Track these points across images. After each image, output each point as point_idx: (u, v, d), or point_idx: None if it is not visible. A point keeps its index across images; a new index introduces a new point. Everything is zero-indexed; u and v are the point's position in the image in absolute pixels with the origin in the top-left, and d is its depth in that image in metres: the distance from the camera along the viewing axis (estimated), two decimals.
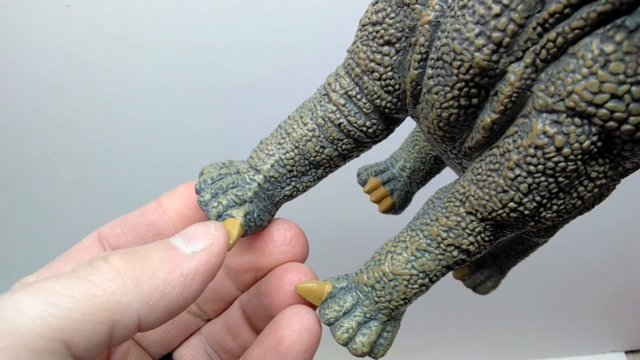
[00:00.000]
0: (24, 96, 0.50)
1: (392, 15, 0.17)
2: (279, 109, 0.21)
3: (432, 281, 0.18)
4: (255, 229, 0.20)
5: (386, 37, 0.17)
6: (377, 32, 0.17)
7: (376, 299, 0.19)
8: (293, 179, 0.20)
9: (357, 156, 0.21)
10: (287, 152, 0.20)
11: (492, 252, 0.31)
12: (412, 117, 0.19)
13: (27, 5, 0.45)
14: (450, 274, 0.31)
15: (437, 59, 0.15)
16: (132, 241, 0.20)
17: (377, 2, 0.17)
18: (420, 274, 0.18)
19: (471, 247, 0.17)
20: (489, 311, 0.61)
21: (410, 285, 0.18)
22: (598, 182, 0.15)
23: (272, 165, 0.20)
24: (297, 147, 0.20)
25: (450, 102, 0.16)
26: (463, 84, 0.15)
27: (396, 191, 0.30)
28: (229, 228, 0.19)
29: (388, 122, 0.19)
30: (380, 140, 0.20)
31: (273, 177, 0.20)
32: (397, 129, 0.31)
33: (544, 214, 0.15)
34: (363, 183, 0.31)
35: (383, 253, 0.19)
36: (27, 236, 0.58)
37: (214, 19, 0.46)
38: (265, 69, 0.48)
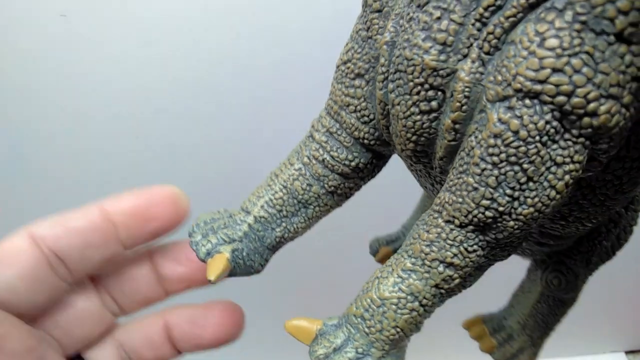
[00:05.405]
0: (17, 105, 0.51)
1: (359, 50, 0.18)
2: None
3: (423, 306, 0.17)
4: (244, 267, 0.20)
5: (356, 71, 0.18)
6: (348, 68, 0.19)
7: (367, 329, 0.17)
8: (283, 220, 0.21)
9: (348, 195, 0.21)
10: (275, 192, 0.21)
11: (519, 319, 0.28)
12: (395, 152, 0.20)
13: (21, 15, 0.47)
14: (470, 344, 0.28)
15: (395, 72, 0.16)
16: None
17: (347, 44, 0.19)
18: (409, 297, 0.17)
19: (455, 260, 0.16)
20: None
21: (399, 310, 0.17)
22: (566, 168, 0.14)
23: (261, 206, 0.20)
24: (285, 187, 0.20)
25: (412, 109, 0.16)
26: (419, 87, 0.16)
27: None
28: (216, 262, 0.19)
29: (370, 155, 0.20)
30: (367, 176, 0.21)
31: (263, 217, 0.20)
32: (407, 197, 0.31)
33: (519, 209, 0.15)
34: (374, 253, 0.31)
35: (371, 281, 0.18)
36: None
37: (210, 30, 0.47)
38: (257, 82, 0.49)
